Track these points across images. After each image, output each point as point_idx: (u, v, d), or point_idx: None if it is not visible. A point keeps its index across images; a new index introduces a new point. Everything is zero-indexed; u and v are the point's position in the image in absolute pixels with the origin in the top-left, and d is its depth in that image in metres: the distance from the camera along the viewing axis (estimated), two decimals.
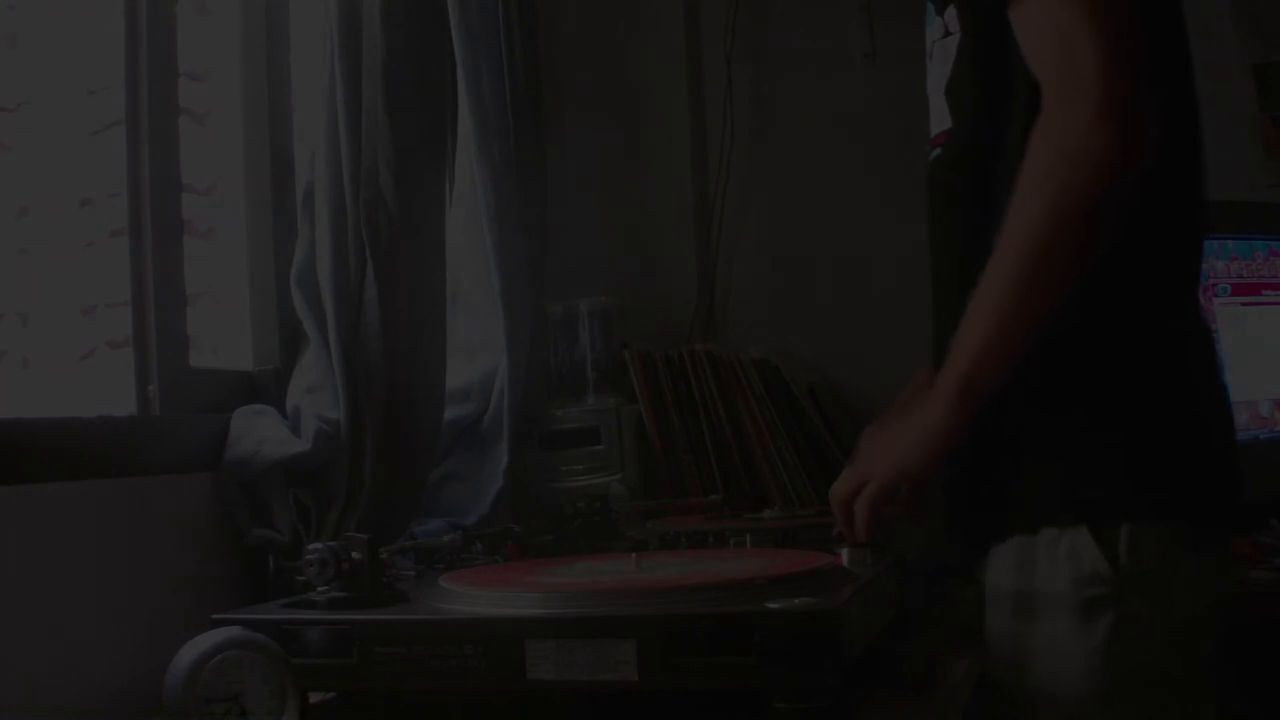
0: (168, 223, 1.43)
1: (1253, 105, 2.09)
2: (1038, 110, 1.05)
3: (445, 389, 1.65)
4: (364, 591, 1.10)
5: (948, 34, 1.18)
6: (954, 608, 1.38)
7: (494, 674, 0.98)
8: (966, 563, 1.24)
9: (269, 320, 1.60)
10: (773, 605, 0.94)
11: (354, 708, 1.10)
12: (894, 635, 1.16)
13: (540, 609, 1.02)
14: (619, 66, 2.27)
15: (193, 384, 1.44)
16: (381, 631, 1.02)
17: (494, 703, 1.07)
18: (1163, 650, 1.08)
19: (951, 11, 1.18)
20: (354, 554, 1.11)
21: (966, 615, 1.27)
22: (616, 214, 2.21)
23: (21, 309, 1.31)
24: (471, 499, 1.70)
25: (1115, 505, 1.08)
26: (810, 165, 2.18)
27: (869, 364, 2.03)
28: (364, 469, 1.46)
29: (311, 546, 1.12)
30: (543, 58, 2.01)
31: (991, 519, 1.15)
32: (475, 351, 1.82)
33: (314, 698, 1.08)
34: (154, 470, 1.31)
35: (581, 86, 2.25)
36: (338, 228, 1.49)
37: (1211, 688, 1.10)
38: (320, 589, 1.11)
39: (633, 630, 0.95)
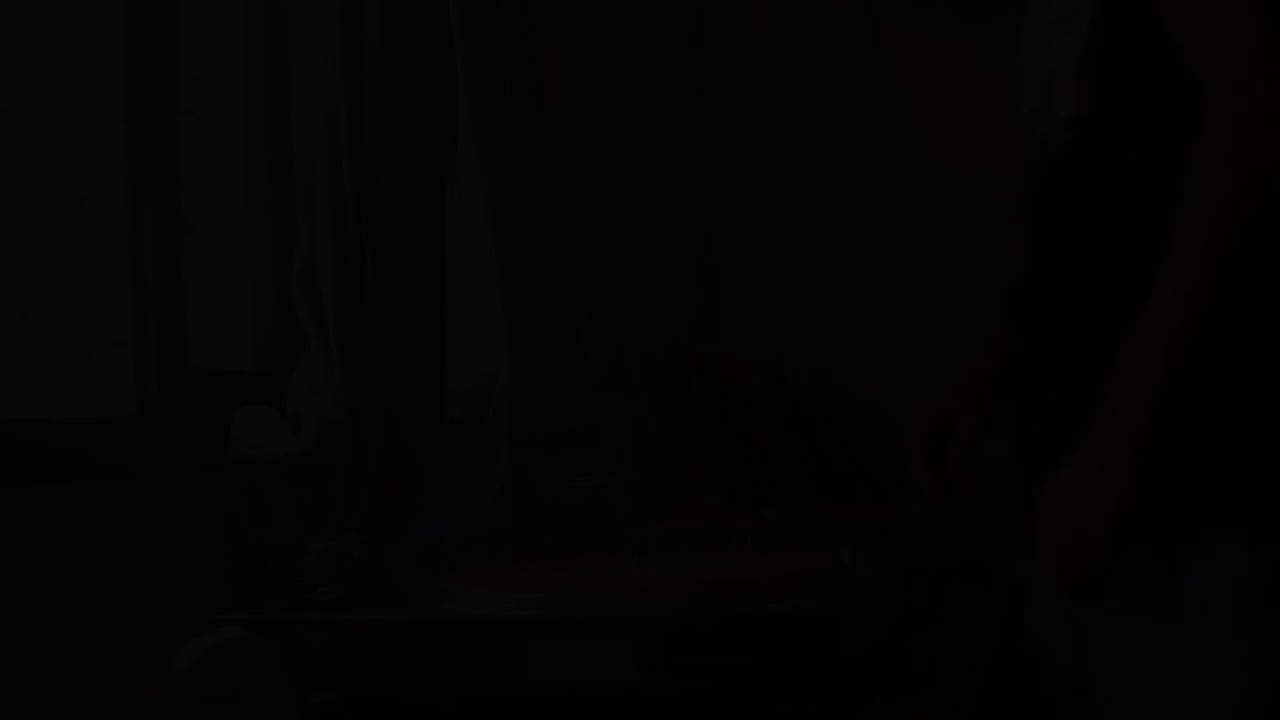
0: (168, 222, 1.43)
1: None
2: (1185, 100, 1.00)
3: (446, 389, 1.65)
4: (364, 592, 1.10)
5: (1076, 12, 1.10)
6: (957, 608, 1.38)
7: (494, 675, 0.99)
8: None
9: (269, 320, 1.60)
10: (774, 606, 0.94)
11: (353, 708, 1.09)
12: (896, 636, 1.16)
13: (540, 610, 1.02)
14: (619, 64, 2.27)
15: (193, 384, 1.44)
16: (381, 632, 1.02)
17: (493, 704, 1.07)
18: None
19: None
20: (354, 554, 1.11)
21: (969, 616, 1.26)
22: (617, 213, 2.21)
23: (21, 308, 1.31)
24: (472, 499, 1.70)
25: (1272, 514, 1.02)
26: (812, 163, 2.18)
27: (870, 363, 2.03)
28: (364, 469, 1.46)
29: (312, 547, 1.13)
30: (543, 56, 2.01)
31: (1141, 524, 1.07)
32: (476, 351, 1.82)
33: (314, 698, 1.08)
34: (154, 470, 1.31)
35: (582, 85, 2.25)
36: (338, 227, 1.49)
37: None
38: (320, 589, 1.11)
39: (633, 631, 0.95)
